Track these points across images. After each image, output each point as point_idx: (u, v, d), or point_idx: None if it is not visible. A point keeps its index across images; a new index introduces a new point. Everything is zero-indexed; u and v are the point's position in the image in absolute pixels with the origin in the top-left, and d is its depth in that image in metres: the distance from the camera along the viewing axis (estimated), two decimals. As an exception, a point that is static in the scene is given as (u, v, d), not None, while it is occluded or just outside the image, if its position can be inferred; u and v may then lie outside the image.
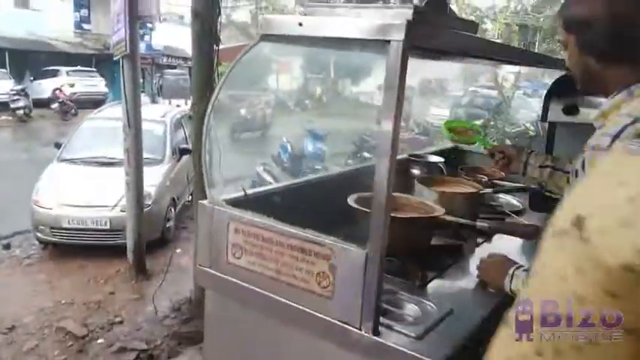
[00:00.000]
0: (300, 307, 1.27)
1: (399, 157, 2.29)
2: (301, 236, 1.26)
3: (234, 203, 1.46)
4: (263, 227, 1.33)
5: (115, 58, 5.11)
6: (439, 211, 1.71)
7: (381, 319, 1.19)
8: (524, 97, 16.62)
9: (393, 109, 1.03)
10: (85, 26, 23.92)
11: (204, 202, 1.42)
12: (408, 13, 1.01)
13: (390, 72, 1.01)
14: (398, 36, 0.97)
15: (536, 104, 16.55)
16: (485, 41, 2.04)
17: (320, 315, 1.24)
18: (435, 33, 1.08)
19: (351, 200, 1.68)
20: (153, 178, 6.08)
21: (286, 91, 22.96)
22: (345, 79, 23.61)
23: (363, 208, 1.52)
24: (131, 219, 5.24)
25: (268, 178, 7.08)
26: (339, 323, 1.20)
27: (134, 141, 5.08)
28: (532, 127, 13.78)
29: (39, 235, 5.85)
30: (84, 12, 23.91)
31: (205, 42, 4.11)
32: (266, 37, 1.23)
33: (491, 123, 13.74)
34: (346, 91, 24.11)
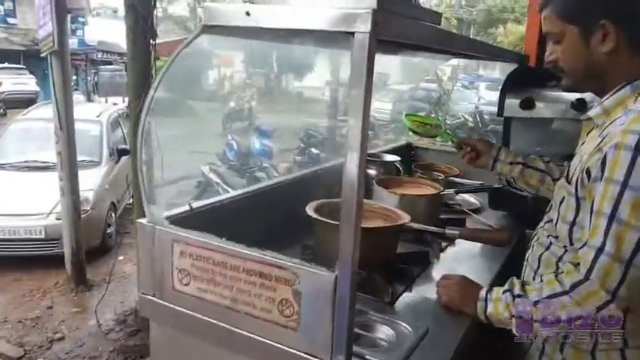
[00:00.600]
0: (262, 340, 1.12)
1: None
2: (259, 258, 1.10)
3: (179, 221, 1.28)
4: (213, 249, 1.16)
5: (42, 55, 4.75)
6: (405, 218, 1.61)
7: (354, 348, 1.06)
8: (462, 89, 17.09)
9: (360, 110, 0.90)
10: (11, 20, 22.40)
11: (143, 221, 1.24)
12: (371, 0, 0.88)
13: (355, 68, 0.88)
14: (364, 27, 0.84)
15: (474, 96, 17.21)
16: (450, 34, 1.95)
17: (285, 348, 1.09)
18: (402, 24, 0.96)
19: (310, 210, 1.54)
20: (90, 181, 5.80)
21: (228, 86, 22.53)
22: (288, 74, 23.45)
23: (328, 220, 1.39)
24: (67, 226, 4.92)
25: (214, 178, 6.87)
26: (307, 356, 1.06)
27: (67, 143, 4.74)
28: (470, 119, 14.24)
29: (-36, 249, 5.37)
30: (8, 5, 22.40)
31: (140, 36, 3.88)
32: (208, 29, 1.07)
33: (432, 116, 14.01)
34: (290, 86, 23.97)
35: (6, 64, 18.99)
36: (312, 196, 1.69)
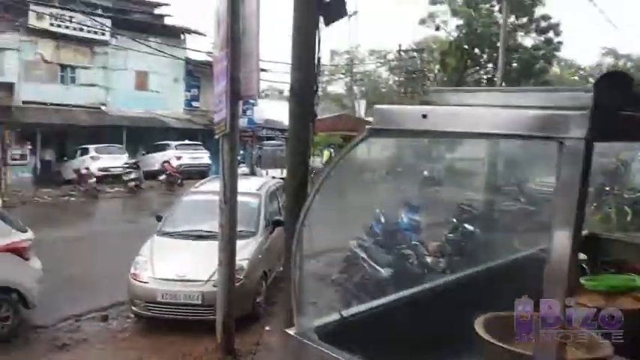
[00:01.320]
0: None
1: (519, 254, 1.90)
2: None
3: (330, 332, 1.14)
4: (367, 377, 0.99)
5: (215, 137, 5.25)
6: (607, 349, 1.27)
7: None
8: (643, 159, 15.09)
9: (571, 223, 0.70)
10: (194, 104, 26.23)
11: (291, 331, 1.12)
12: (585, 98, 0.68)
13: (565, 177, 0.69)
14: (577, 133, 0.64)
15: (658, 165, 15.01)
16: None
17: None
18: (625, 122, 0.74)
19: (479, 327, 1.29)
20: (246, 251, 6.09)
21: (377, 160, 22.95)
22: (439, 146, 23.15)
23: (507, 347, 1.13)
24: (221, 295, 5.14)
25: (360, 253, 6.77)
26: None
27: (229, 217, 5.07)
28: (656, 193, 12.31)
29: (134, 308, 5.92)
30: (194, 91, 26.30)
31: (301, 118, 4.10)
32: (376, 132, 0.96)
33: (606, 189, 12.46)
34: (441, 157, 23.60)
35: (186, 141, 21.86)
36: (481, 301, 1.44)
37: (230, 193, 5.03)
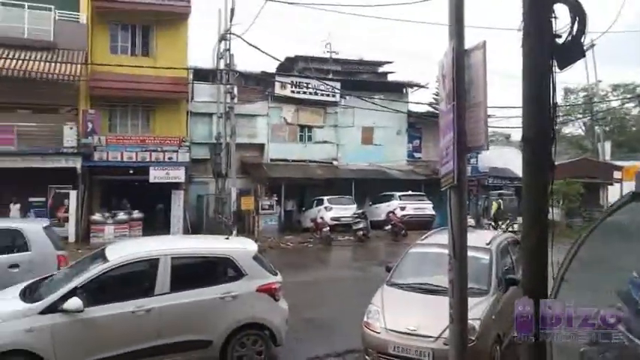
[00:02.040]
0: None
1: None
2: None
3: None
4: None
5: (442, 189, 5.17)
6: None
7: None
8: None
9: None
10: (416, 155, 26.91)
11: None
12: None
13: None
14: None
15: None
16: None
17: None
18: None
19: None
20: (477, 310, 5.78)
21: None
22: None
23: None
24: (454, 355, 4.88)
25: (618, 325, 5.74)
26: None
27: (458, 273, 4.87)
28: None
29: (367, 358, 6.07)
30: (416, 142, 27.02)
31: (536, 167, 3.80)
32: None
33: None
34: None
35: (409, 192, 22.32)
36: None
37: (460, 248, 4.86)
